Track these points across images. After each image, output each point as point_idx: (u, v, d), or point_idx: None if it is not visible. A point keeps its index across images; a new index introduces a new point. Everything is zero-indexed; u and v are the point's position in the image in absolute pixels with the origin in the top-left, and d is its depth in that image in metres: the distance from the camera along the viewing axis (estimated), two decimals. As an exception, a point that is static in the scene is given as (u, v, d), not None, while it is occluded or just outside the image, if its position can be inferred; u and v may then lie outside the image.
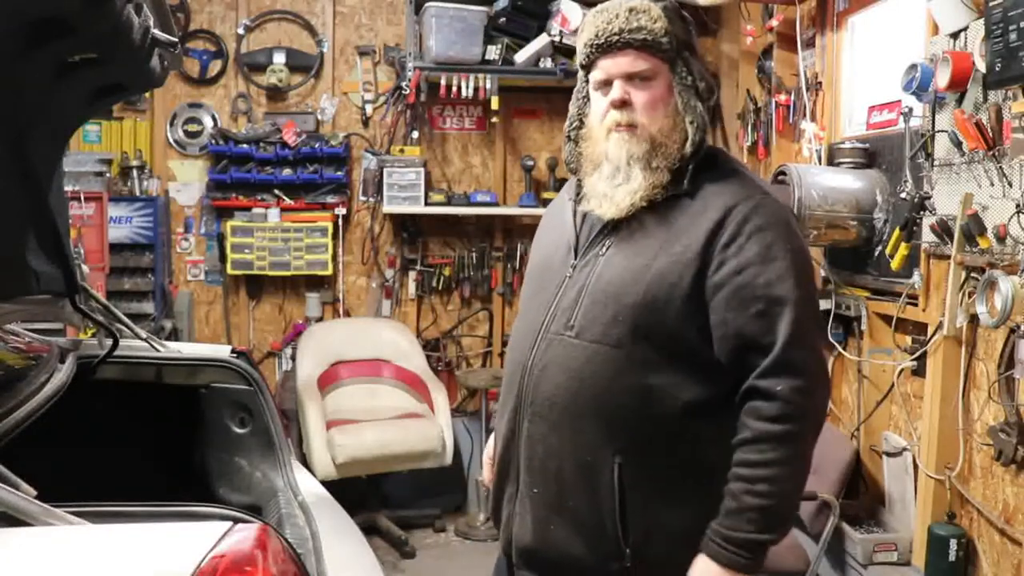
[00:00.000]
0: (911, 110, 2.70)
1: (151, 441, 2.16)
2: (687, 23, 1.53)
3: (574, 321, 1.50)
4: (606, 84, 1.51)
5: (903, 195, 2.73)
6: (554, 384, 1.50)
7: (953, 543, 2.53)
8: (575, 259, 1.56)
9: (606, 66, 1.50)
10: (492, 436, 1.72)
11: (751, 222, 1.43)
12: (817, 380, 1.43)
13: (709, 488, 1.43)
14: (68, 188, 3.43)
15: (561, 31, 3.93)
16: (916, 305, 2.78)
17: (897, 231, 2.74)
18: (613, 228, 1.52)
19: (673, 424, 1.46)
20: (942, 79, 2.43)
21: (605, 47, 1.49)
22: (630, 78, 1.48)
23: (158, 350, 2.12)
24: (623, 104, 1.49)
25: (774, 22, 3.64)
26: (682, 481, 1.48)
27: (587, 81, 1.57)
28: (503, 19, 3.97)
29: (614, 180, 1.49)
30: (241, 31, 4.25)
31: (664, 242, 1.47)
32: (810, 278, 1.47)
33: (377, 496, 3.89)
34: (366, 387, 4.10)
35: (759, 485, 1.38)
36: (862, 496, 3.14)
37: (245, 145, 4.13)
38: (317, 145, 4.16)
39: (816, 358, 1.44)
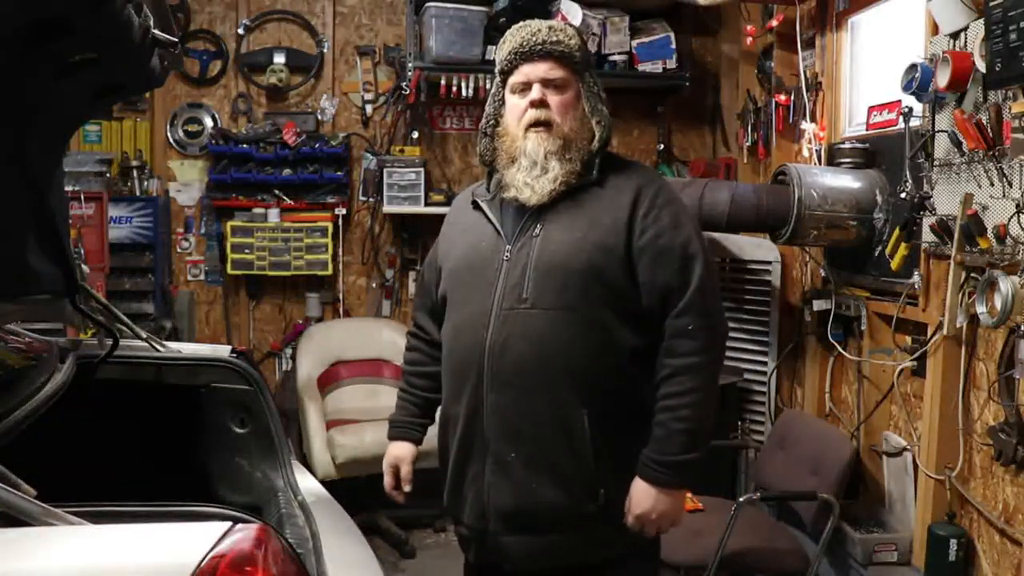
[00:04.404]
0: (911, 110, 2.70)
1: (151, 441, 2.16)
2: (588, 48, 1.83)
3: (526, 294, 1.68)
4: (525, 88, 1.73)
5: (903, 195, 2.73)
6: (518, 352, 1.67)
7: (953, 543, 2.53)
8: (509, 244, 1.73)
9: (527, 71, 1.72)
10: (441, 425, 1.86)
11: (660, 197, 1.71)
12: (718, 318, 1.72)
13: (649, 424, 1.68)
14: (68, 188, 3.43)
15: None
16: (916, 305, 2.78)
17: (897, 231, 2.75)
18: (539, 213, 1.72)
19: (623, 371, 1.69)
20: (942, 79, 2.43)
21: (528, 55, 1.72)
22: (547, 83, 1.72)
23: (158, 350, 2.12)
24: (541, 104, 1.71)
25: (774, 22, 3.64)
26: (632, 420, 1.70)
27: (503, 85, 1.78)
28: (503, 19, 3.97)
29: (532, 172, 1.70)
30: (241, 31, 4.26)
31: (592, 218, 1.69)
32: (703, 239, 1.75)
33: (377, 496, 3.86)
34: (366, 387, 4.10)
35: (682, 411, 1.63)
36: (862, 496, 3.14)
37: (245, 145, 4.12)
38: (317, 145, 4.16)
39: (717, 300, 1.73)
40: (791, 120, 3.63)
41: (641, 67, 4.13)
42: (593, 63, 1.80)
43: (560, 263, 1.66)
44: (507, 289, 1.69)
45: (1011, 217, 2.25)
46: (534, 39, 1.71)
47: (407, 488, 1.93)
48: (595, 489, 1.67)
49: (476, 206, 1.82)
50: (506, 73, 1.77)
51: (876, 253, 3.03)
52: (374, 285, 4.45)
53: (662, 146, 4.57)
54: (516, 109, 1.74)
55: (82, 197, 3.58)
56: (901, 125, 2.79)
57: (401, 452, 1.93)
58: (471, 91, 4.00)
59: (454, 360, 1.78)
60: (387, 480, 1.94)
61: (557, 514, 1.68)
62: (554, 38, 1.71)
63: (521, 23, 1.76)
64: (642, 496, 1.66)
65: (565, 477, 1.66)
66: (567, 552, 1.71)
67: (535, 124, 1.71)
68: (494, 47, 3.98)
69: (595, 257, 1.66)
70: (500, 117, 1.79)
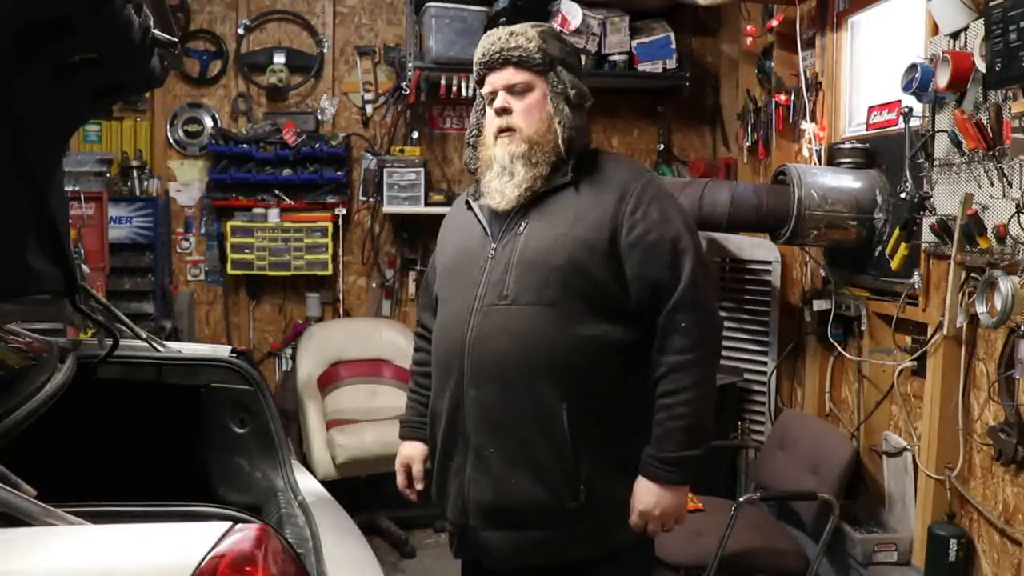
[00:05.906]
0: (911, 110, 2.70)
1: (151, 441, 2.16)
2: (564, 43, 1.81)
3: (507, 291, 1.69)
4: (493, 96, 1.77)
5: (903, 195, 2.73)
6: (498, 348, 1.68)
7: (953, 543, 2.53)
8: (494, 242, 1.75)
9: (492, 80, 1.77)
10: (429, 421, 1.85)
11: (648, 192, 1.72)
12: (711, 313, 1.72)
13: (634, 420, 1.69)
14: (68, 188, 3.43)
15: (561, 31, 3.92)
16: (916, 305, 2.78)
17: (897, 231, 2.75)
18: (525, 211, 1.74)
19: (606, 368, 1.68)
20: (942, 79, 2.43)
21: (490, 64, 1.76)
22: (510, 90, 1.74)
23: (158, 350, 2.12)
24: (504, 111, 1.74)
25: (774, 22, 3.64)
26: (614, 418, 1.70)
27: (483, 97, 1.82)
28: (503, 19, 3.96)
29: (503, 177, 1.74)
30: (241, 31, 4.25)
31: (576, 214, 1.70)
32: (696, 233, 1.75)
33: (377, 496, 3.88)
34: (366, 387, 4.10)
35: (678, 409, 1.64)
36: (862, 496, 3.14)
37: (245, 145, 4.12)
38: (317, 145, 4.15)
39: (709, 295, 1.72)
40: (791, 120, 3.63)
41: (641, 67, 4.13)
42: (568, 59, 1.78)
43: (541, 259, 1.68)
44: (489, 286, 1.71)
45: (1011, 217, 2.25)
46: (493, 48, 1.75)
47: (419, 487, 1.93)
48: (575, 485, 1.66)
49: (469, 206, 1.86)
50: (480, 84, 1.82)
51: (876, 253, 3.03)
52: (374, 285, 4.45)
53: (662, 146, 4.57)
54: (489, 118, 1.79)
55: (82, 197, 3.58)
56: (901, 125, 2.79)
57: (412, 451, 1.94)
58: (471, 91, 3.98)
59: (439, 356, 1.80)
60: (400, 479, 1.95)
61: (536, 510, 1.68)
62: (511, 44, 1.73)
63: (487, 32, 1.80)
64: (644, 493, 1.67)
65: (544, 472, 1.66)
66: (549, 549, 1.71)
67: (501, 131, 1.75)
68: (494, 47, 4.02)
69: (576, 253, 1.67)
70: (482, 128, 1.84)
